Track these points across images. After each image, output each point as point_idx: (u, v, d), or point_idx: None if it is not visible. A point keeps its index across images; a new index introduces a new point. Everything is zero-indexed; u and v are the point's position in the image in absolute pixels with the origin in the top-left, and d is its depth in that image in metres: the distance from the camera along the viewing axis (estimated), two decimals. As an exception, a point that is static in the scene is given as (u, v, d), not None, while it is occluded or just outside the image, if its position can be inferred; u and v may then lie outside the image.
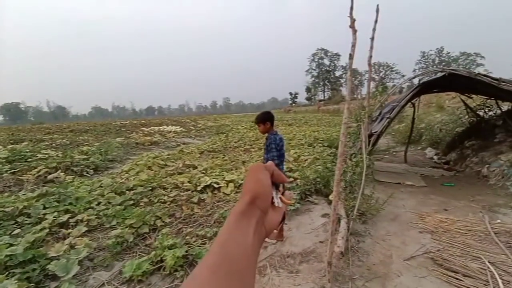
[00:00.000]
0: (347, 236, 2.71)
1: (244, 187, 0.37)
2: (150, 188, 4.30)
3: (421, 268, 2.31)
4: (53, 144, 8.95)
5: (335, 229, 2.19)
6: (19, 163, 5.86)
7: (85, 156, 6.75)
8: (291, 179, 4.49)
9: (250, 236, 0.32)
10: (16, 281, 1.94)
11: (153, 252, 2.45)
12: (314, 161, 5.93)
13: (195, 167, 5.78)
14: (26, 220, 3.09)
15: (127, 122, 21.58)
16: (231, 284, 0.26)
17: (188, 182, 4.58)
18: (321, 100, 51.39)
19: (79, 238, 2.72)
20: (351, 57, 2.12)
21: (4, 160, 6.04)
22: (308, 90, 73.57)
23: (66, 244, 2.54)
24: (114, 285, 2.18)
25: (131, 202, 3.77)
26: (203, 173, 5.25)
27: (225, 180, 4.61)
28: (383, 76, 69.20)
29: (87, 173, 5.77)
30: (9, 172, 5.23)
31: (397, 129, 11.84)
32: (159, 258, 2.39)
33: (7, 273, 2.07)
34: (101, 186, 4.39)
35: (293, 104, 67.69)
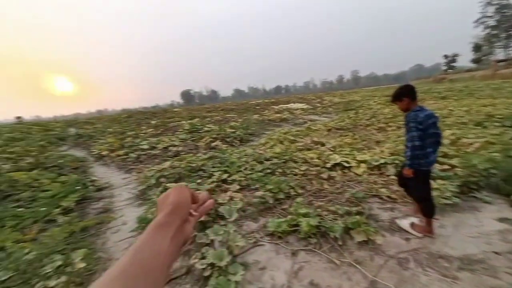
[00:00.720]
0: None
1: (166, 200, 0.44)
2: (283, 161, 4.78)
3: None
4: (212, 120, 11.70)
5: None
6: (195, 133, 8.16)
7: (233, 130, 8.38)
8: (443, 168, 3.58)
9: (166, 243, 0.38)
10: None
11: (290, 216, 2.77)
12: (485, 146, 4.40)
13: (323, 144, 5.81)
14: (203, 174, 4.32)
15: (260, 101, 24.45)
16: (138, 283, 0.32)
17: (317, 158, 4.69)
18: (500, 61, 35.47)
19: (235, 193, 3.51)
20: None
21: (187, 131, 8.61)
22: (476, 48, 52.91)
23: (228, 196, 3.36)
24: (261, 234, 2.69)
25: (269, 170, 4.36)
26: (332, 150, 5.18)
27: (356, 160, 4.36)
28: None
29: (235, 143, 7.19)
30: (190, 139, 7.43)
31: None
32: (294, 223, 2.68)
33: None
34: (246, 155, 5.34)
35: (449, 71, 51.31)
